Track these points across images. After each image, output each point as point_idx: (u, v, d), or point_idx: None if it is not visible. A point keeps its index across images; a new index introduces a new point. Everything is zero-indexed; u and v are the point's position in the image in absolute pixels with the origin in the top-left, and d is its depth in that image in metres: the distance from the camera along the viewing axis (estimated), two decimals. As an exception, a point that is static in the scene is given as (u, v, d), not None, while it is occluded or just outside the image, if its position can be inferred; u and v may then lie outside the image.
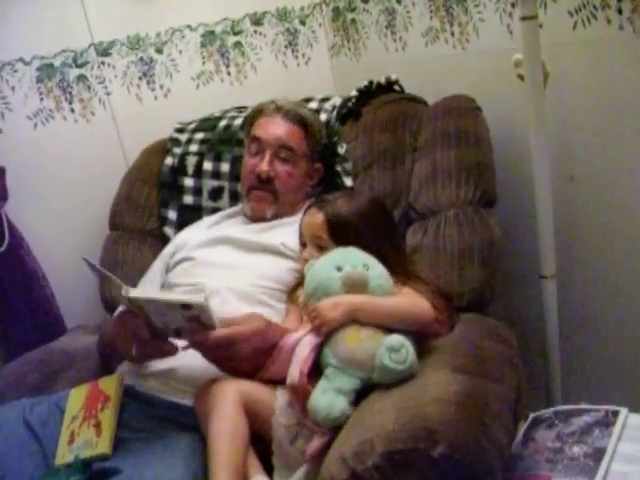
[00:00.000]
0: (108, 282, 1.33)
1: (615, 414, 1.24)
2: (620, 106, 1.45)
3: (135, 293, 1.24)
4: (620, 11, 1.36)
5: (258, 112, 1.71)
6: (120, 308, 1.62)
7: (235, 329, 1.25)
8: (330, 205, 1.43)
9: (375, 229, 1.41)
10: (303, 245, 1.46)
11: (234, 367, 1.27)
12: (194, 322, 1.22)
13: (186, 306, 1.19)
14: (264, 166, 1.60)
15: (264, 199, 1.62)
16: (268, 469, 1.20)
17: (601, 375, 1.66)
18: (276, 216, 1.63)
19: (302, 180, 1.66)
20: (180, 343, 1.28)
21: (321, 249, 1.40)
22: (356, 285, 1.26)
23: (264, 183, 1.61)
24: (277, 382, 1.25)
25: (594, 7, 1.41)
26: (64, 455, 1.25)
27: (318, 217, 1.42)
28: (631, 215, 1.51)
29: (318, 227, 1.41)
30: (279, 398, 1.24)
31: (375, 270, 1.29)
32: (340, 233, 1.39)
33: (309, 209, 1.47)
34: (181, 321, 1.23)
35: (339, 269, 1.28)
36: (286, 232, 1.57)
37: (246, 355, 1.25)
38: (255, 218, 1.65)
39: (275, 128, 1.64)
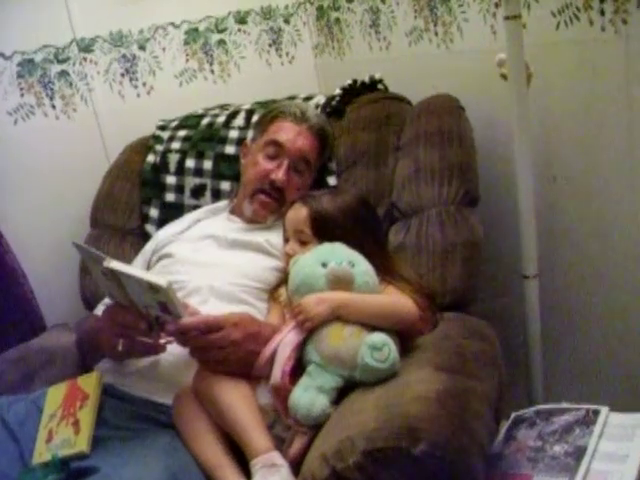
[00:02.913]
0: (95, 268, 1.30)
1: (596, 413, 1.25)
2: (603, 106, 1.46)
3: (114, 265, 1.21)
4: (602, 12, 1.37)
5: (281, 113, 1.66)
6: (101, 305, 1.61)
7: (210, 315, 1.26)
8: (315, 201, 1.42)
9: (359, 227, 1.40)
10: (286, 240, 1.46)
11: (222, 370, 1.25)
12: (166, 313, 1.21)
13: (154, 288, 1.18)
14: (282, 175, 1.56)
15: (269, 205, 1.59)
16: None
17: (582, 374, 1.66)
18: None
19: (306, 191, 1.61)
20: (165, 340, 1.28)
21: (303, 244, 1.40)
22: (341, 282, 1.25)
23: (275, 190, 1.58)
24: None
25: (577, 8, 1.42)
26: (42, 454, 1.24)
27: (302, 212, 1.42)
28: (613, 215, 1.51)
29: (301, 222, 1.41)
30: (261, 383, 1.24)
31: (361, 267, 1.29)
32: (323, 229, 1.38)
33: (293, 204, 1.47)
34: (155, 306, 1.22)
35: (324, 265, 1.27)
36: (272, 232, 1.56)
37: (238, 358, 1.24)
38: (253, 221, 1.61)
39: (299, 139, 1.60)
